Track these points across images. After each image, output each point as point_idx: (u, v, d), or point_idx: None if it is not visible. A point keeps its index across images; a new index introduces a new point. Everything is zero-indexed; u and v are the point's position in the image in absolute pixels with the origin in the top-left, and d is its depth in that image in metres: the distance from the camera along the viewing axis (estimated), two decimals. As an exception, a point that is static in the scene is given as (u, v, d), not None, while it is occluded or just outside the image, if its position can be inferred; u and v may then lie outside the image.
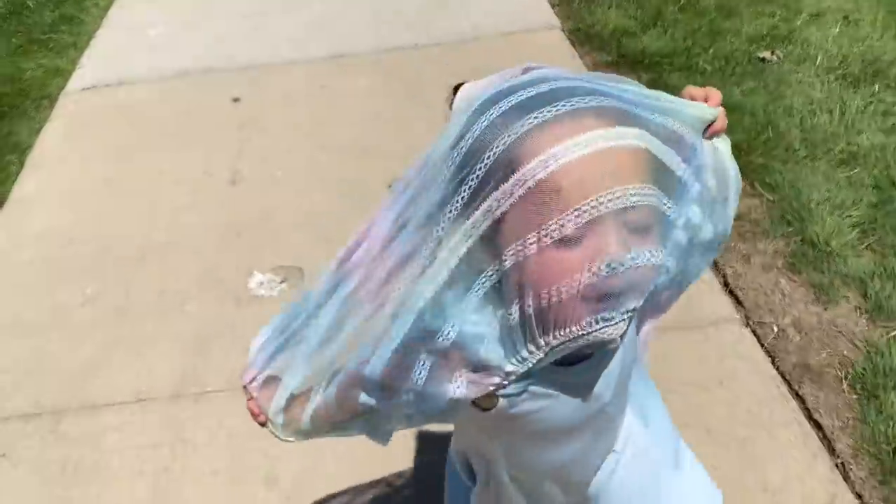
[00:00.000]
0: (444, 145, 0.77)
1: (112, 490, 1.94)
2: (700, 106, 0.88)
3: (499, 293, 0.78)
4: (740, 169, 0.95)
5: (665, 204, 0.78)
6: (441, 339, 0.79)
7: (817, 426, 1.95)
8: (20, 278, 2.61)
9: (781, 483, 1.83)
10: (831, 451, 1.89)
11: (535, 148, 0.71)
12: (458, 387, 0.82)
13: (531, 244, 0.72)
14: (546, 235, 0.71)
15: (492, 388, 0.82)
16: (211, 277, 2.53)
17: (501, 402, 0.86)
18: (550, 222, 0.71)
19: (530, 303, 0.75)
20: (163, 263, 2.60)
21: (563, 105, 0.72)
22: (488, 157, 0.73)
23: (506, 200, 0.72)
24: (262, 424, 1.02)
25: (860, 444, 1.89)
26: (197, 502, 1.89)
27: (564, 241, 0.71)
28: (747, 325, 2.24)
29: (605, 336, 0.76)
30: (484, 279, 0.77)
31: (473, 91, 0.86)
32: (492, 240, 0.75)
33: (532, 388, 0.86)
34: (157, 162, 3.10)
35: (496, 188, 0.73)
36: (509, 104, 0.74)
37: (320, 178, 2.93)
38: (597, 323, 0.75)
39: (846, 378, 2.06)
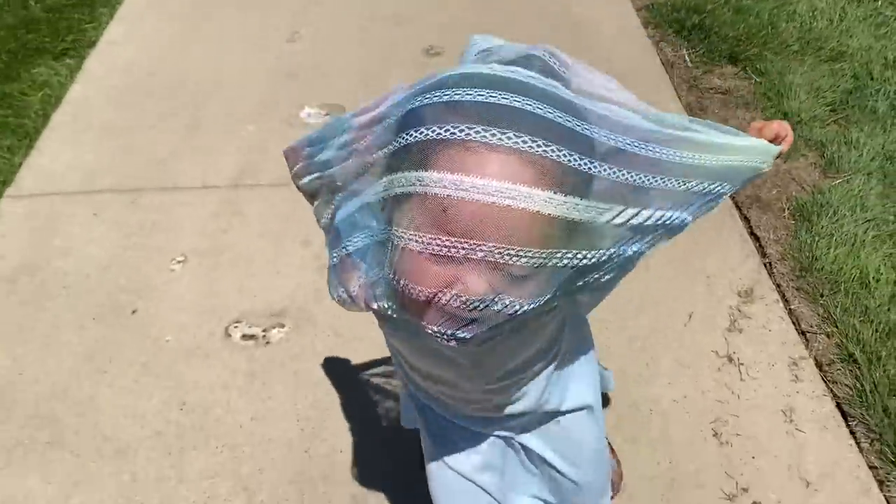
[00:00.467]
0: (418, 88, 0.77)
1: (180, 242, 2.43)
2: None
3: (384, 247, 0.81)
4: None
5: (565, 254, 0.74)
6: (343, 246, 0.87)
7: (755, 238, 2.35)
8: (111, 94, 3.11)
9: (716, 271, 2.25)
10: (763, 254, 2.30)
11: (450, 163, 0.69)
12: (342, 292, 0.89)
13: (410, 239, 0.73)
14: (423, 243, 0.72)
15: (362, 309, 0.90)
16: (269, 108, 3.00)
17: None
18: (430, 235, 0.71)
19: (395, 279, 0.78)
20: (229, 94, 3.08)
21: (507, 135, 0.69)
22: (415, 135, 0.72)
23: (405, 186, 0.73)
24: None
25: (787, 252, 2.29)
26: (248, 252, 2.38)
27: (436, 257, 0.72)
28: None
29: (442, 342, 0.80)
30: (377, 233, 0.81)
31: (482, 47, 0.89)
32: (387, 207, 0.78)
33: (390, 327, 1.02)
34: (228, 19, 3.58)
35: (405, 170, 0.73)
36: (467, 97, 0.71)
37: (366, 40, 3.37)
38: (435, 333, 0.79)
39: (788, 208, 2.45)
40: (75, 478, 1.83)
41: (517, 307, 0.75)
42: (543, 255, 0.72)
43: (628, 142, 0.76)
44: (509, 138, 0.68)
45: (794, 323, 2.12)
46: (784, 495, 1.77)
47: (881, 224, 2.37)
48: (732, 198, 2.48)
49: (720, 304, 2.16)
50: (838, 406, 1.95)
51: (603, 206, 0.75)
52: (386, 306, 0.84)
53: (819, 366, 2.03)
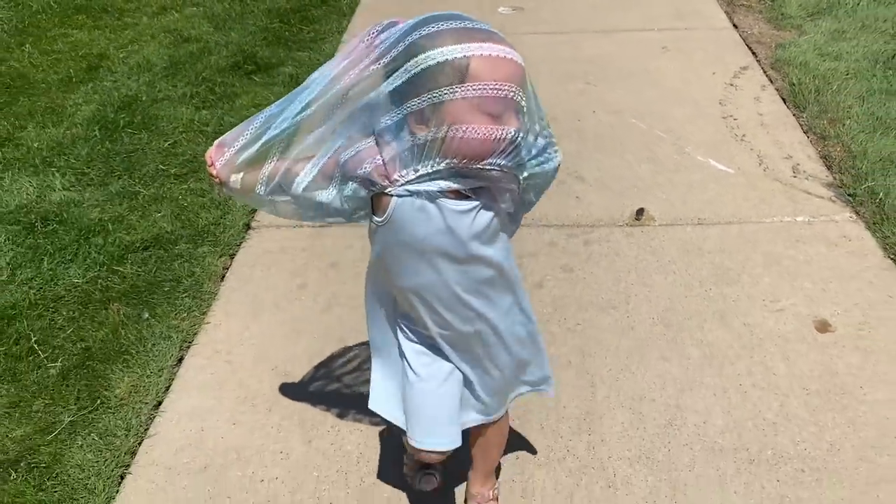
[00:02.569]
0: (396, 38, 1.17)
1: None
2: None
3: (406, 121, 1.19)
4: None
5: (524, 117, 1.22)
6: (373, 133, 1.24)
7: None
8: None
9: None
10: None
11: (481, 38, 1.15)
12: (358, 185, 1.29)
13: (465, 90, 1.13)
14: (479, 89, 1.13)
15: (385, 184, 1.24)
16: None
17: (390, 205, 1.26)
18: (482, 83, 1.13)
19: (444, 132, 1.16)
20: None
21: (479, 24, 1.16)
22: (430, 28, 1.14)
23: (434, 59, 1.12)
24: (212, 176, 1.44)
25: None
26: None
27: (492, 99, 1.14)
28: None
29: (492, 174, 1.21)
30: (392, 114, 1.19)
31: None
32: (405, 90, 1.16)
33: (418, 189, 1.25)
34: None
35: (428, 49, 1.13)
36: (441, 19, 1.15)
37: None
38: (493, 165, 1.20)
39: None
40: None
41: (528, 144, 1.25)
42: (526, 99, 1.20)
43: None
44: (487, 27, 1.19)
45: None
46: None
47: None
48: None
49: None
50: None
51: None
52: (417, 168, 1.21)
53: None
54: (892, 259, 2.54)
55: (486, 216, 1.30)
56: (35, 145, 3.41)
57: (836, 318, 2.32)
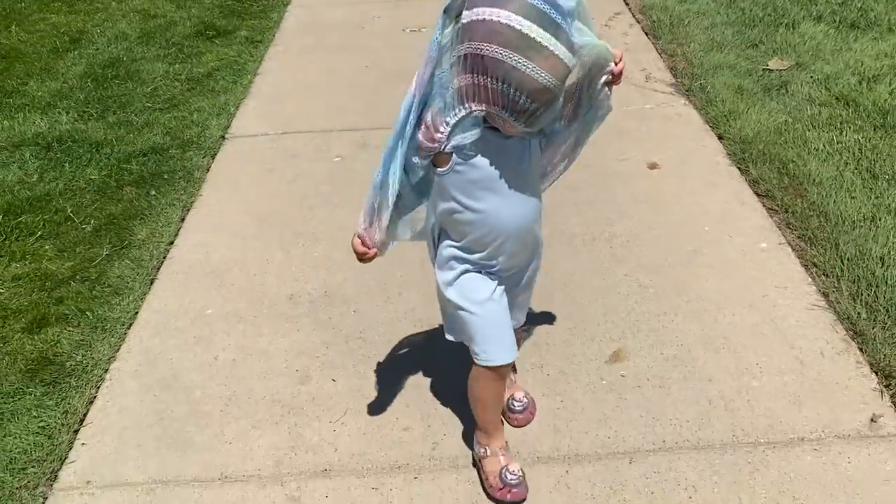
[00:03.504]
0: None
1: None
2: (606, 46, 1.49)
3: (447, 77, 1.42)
4: None
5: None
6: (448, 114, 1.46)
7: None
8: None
9: None
10: (624, 47, 3.26)
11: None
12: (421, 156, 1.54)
13: (483, 49, 1.32)
14: (490, 49, 1.32)
15: (438, 142, 1.49)
16: None
17: (452, 159, 1.52)
18: (494, 43, 1.31)
19: (473, 80, 1.36)
20: None
21: None
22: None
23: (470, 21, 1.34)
24: (370, 258, 1.72)
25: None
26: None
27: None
28: None
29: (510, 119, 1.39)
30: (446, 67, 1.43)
31: None
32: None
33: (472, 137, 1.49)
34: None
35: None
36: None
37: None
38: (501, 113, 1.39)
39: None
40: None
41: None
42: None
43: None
44: None
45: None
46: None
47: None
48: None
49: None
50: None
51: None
52: (448, 121, 1.46)
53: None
54: (709, 126, 3.46)
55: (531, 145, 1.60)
56: (39, 94, 4.13)
57: (663, 160, 3.21)
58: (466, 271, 1.71)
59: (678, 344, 2.30)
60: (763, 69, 3.91)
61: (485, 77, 1.35)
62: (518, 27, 1.30)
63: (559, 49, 1.34)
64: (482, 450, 1.91)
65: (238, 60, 4.44)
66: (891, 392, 2.08)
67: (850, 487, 1.84)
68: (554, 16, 1.33)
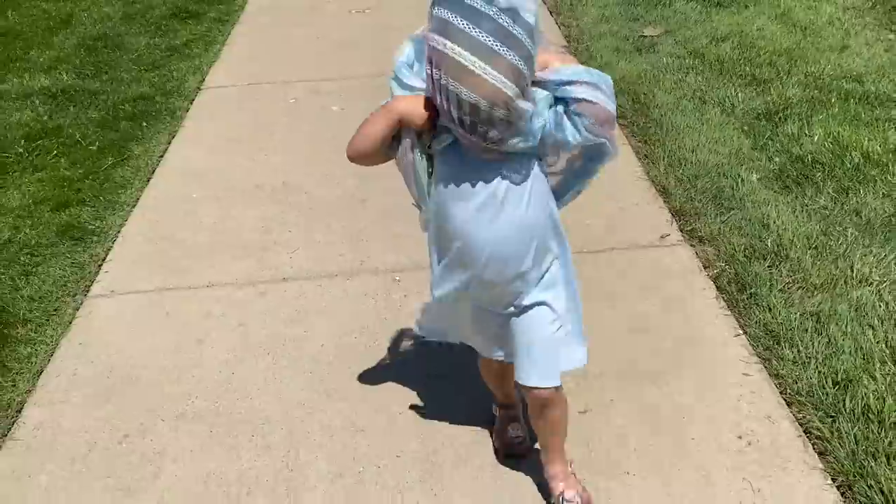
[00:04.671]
0: None
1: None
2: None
3: None
4: None
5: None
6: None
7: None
8: None
9: None
10: None
11: None
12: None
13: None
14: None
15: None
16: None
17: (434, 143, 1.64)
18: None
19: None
20: None
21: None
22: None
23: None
24: None
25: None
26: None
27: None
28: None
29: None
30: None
31: None
32: None
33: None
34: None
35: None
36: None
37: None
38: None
39: None
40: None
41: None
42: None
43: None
44: None
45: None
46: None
47: None
48: None
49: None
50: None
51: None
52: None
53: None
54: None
55: None
56: (41, 60, 4.93)
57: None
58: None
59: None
60: (639, 36, 4.86)
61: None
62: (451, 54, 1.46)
63: (490, 73, 1.46)
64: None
65: (209, 34, 5.28)
66: (677, 220, 3.00)
67: (648, 276, 2.76)
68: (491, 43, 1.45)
